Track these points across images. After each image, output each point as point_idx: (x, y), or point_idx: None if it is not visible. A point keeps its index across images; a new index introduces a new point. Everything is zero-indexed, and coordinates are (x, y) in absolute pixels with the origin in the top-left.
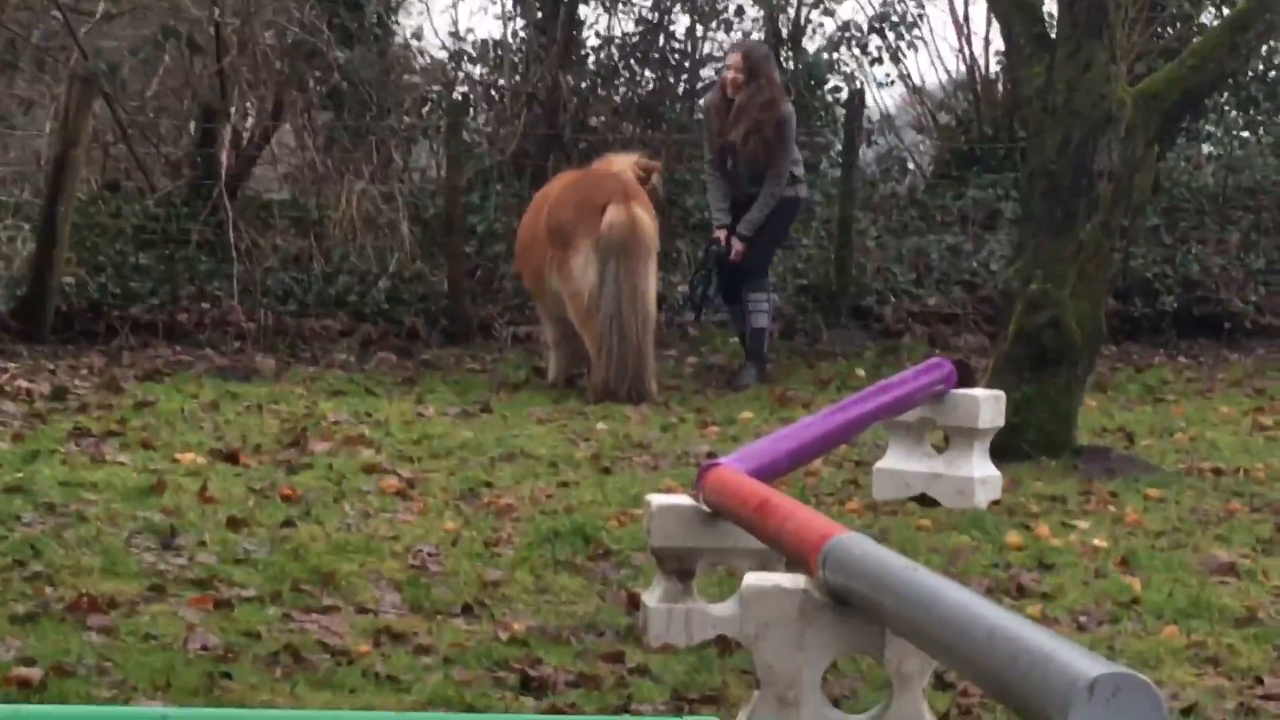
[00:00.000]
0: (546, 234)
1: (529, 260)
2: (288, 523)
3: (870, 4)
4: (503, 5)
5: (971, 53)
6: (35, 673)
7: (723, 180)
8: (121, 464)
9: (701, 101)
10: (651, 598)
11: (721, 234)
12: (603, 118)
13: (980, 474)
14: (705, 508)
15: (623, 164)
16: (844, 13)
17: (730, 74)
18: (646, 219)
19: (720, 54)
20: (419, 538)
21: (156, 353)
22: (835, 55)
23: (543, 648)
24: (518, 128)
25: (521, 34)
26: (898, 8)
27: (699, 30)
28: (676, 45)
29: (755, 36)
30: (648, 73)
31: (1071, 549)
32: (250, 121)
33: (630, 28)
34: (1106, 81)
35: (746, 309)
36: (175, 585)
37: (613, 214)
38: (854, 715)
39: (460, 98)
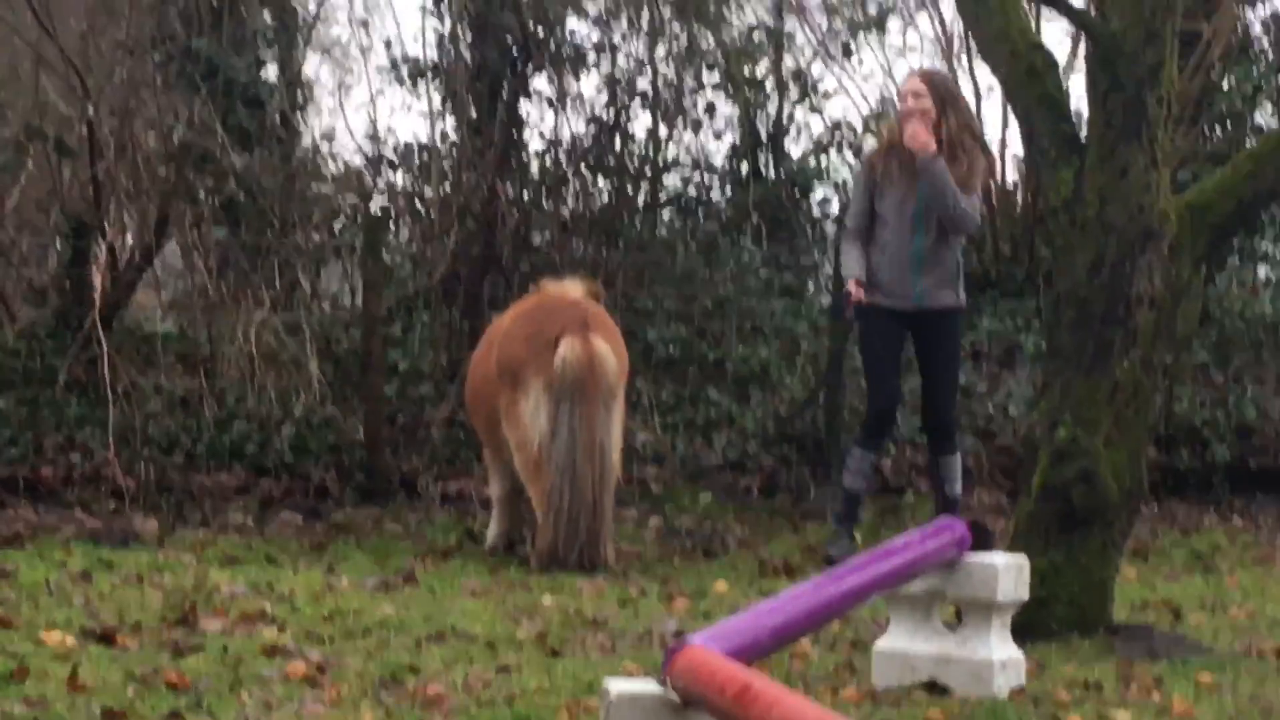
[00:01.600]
0: (497, 372)
1: (479, 404)
2: (174, 715)
3: (865, 101)
4: (430, 103)
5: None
6: None
7: (863, 249)
8: None
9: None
10: None
11: (857, 290)
12: (548, 234)
13: (1000, 656)
14: (674, 696)
15: (573, 292)
16: (834, 110)
17: (912, 103)
18: (608, 354)
19: (688, 159)
20: None
21: (16, 514)
22: (825, 160)
23: None
24: (448, 246)
25: (452, 136)
26: (898, 105)
27: (663, 131)
28: (635, 149)
29: (730, 139)
30: (601, 181)
31: None
32: (129, 239)
33: (581, 129)
34: (1146, 190)
35: (937, 472)
36: None
37: (566, 348)
38: None
39: (379, 211)
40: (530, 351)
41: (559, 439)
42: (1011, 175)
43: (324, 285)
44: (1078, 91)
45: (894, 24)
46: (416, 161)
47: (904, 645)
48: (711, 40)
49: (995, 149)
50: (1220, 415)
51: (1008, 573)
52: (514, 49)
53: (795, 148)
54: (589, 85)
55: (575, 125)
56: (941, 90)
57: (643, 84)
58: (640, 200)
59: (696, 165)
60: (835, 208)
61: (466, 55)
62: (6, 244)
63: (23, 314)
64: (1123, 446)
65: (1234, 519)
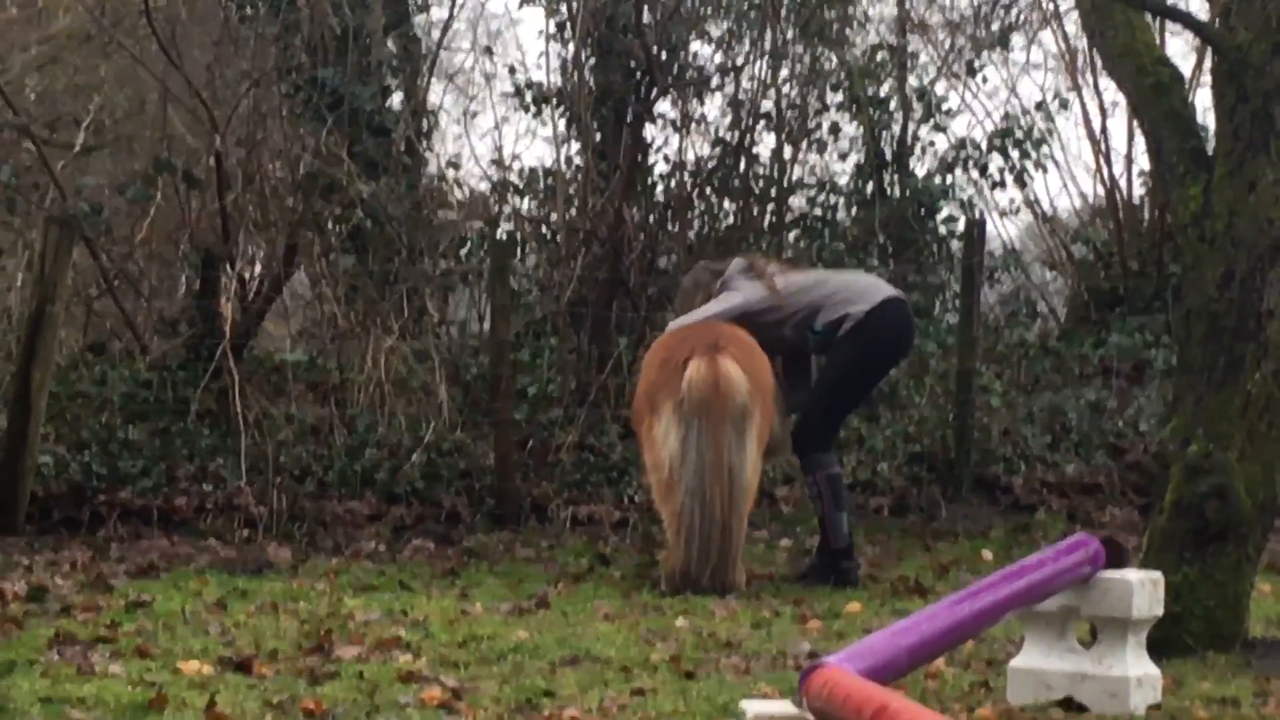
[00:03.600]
0: (643, 399)
1: (637, 431)
2: None
3: (990, 118)
4: (554, 128)
5: (1111, 174)
6: None
7: None
8: (114, 675)
9: None
10: None
11: None
12: (674, 257)
13: (1136, 673)
14: (810, 716)
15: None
16: (958, 129)
17: None
18: (736, 373)
19: (813, 180)
20: None
21: (150, 544)
22: (949, 179)
23: None
24: (574, 270)
25: (577, 160)
26: (1023, 122)
27: (787, 153)
28: (761, 171)
29: (854, 159)
30: (727, 203)
31: None
32: (258, 268)
33: (705, 151)
34: (1275, 204)
35: None
36: None
37: (693, 370)
38: None
39: (506, 236)
40: (663, 376)
41: (688, 461)
42: (1138, 191)
43: (452, 312)
44: (1204, 105)
45: (1017, 40)
46: (542, 186)
47: (1039, 663)
48: (835, 60)
49: (1120, 164)
50: None
51: (1142, 589)
52: (637, 72)
53: (920, 167)
54: (713, 108)
55: (699, 148)
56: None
57: (766, 105)
58: (766, 222)
59: (821, 186)
60: (961, 226)
61: (590, 80)
62: (136, 276)
63: (154, 345)
64: (1256, 460)
65: None
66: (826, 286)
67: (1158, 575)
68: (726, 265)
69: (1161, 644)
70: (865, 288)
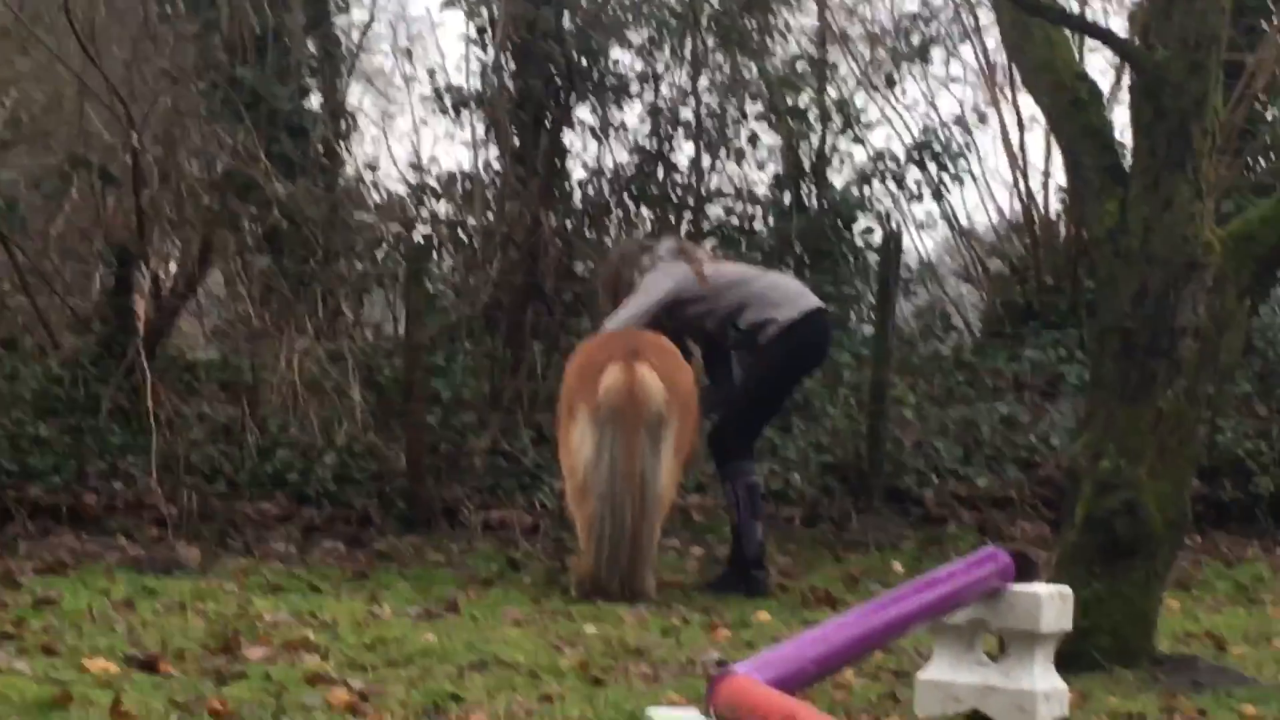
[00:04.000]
0: (562, 404)
1: (557, 432)
2: None
3: (908, 131)
4: (473, 132)
5: (1028, 188)
6: None
7: None
8: (18, 672)
9: None
10: None
11: None
12: (591, 264)
13: (1044, 686)
14: None
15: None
16: (877, 141)
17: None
18: (653, 381)
19: (731, 189)
20: None
21: (59, 541)
22: (867, 190)
23: None
24: (490, 275)
25: (495, 165)
26: (941, 135)
27: (705, 161)
28: (679, 179)
29: (773, 169)
30: (644, 211)
31: None
32: (173, 267)
33: (624, 158)
34: (1190, 221)
35: None
36: None
37: (609, 375)
38: None
39: (422, 240)
40: (579, 382)
41: (601, 467)
42: (1054, 206)
43: (367, 314)
44: (1122, 122)
45: (937, 54)
46: (460, 190)
47: (947, 675)
48: (755, 70)
49: (1038, 179)
50: (1263, 446)
51: (1051, 603)
52: (557, 79)
53: (838, 178)
54: (632, 115)
55: (618, 155)
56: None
57: (686, 114)
58: (683, 230)
59: (739, 195)
60: (878, 238)
61: (510, 85)
62: (50, 272)
63: (66, 342)
64: (1166, 477)
65: (1277, 551)
66: (754, 285)
67: (1067, 590)
68: (657, 243)
69: (1070, 658)
70: (792, 294)
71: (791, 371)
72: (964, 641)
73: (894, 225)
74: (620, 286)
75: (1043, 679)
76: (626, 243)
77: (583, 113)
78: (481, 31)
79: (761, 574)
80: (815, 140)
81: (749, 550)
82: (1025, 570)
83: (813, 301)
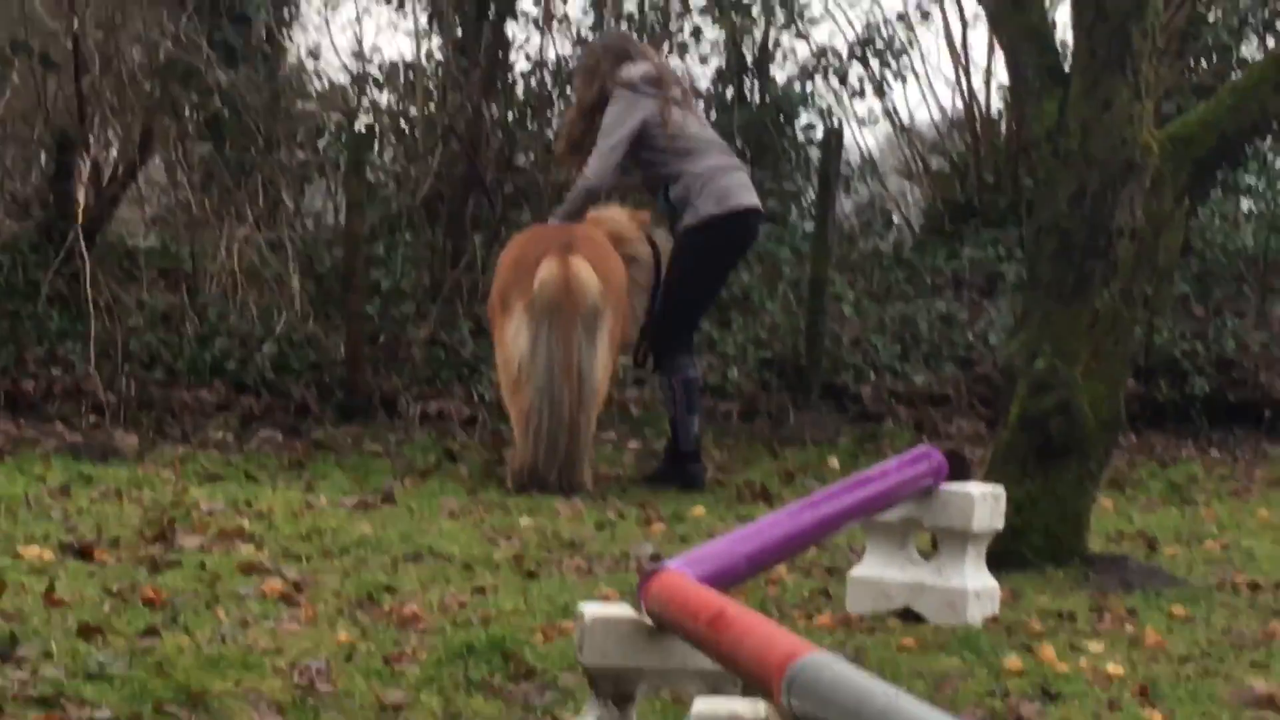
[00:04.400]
0: (495, 298)
1: (491, 326)
2: (150, 631)
3: (852, 27)
4: (415, 21)
5: (970, 87)
6: None
7: None
8: None
9: None
10: None
11: None
12: (533, 156)
13: (974, 585)
14: (648, 620)
15: (615, 217)
16: (820, 36)
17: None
18: (588, 275)
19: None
20: (306, 651)
21: None
22: (809, 86)
23: None
24: (431, 166)
25: (438, 55)
26: (884, 32)
27: None
28: None
29: (715, 63)
30: None
31: (1081, 675)
32: (113, 153)
33: (567, 50)
34: (1130, 123)
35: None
36: (15, 705)
37: (545, 269)
38: None
39: (364, 129)
40: (514, 276)
41: (537, 360)
42: (996, 105)
43: (307, 203)
44: (1064, 22)
45: None
46: (402, 80)
47: (879, 573)
48: None
49: (980, 78)
50: (1200, 348)
51: (984, 502)
52: None
53: (781, 73)
54: (575, 7)
55: (561, 46)
56: (578, 78)
57: (629, 6)
58: None
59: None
60: (819, 134)
61: None
62: None
63: (5, 227)
64: (1101, 378)
65: (1211, 451)
66: (698, 163)
67: (999, 489)
68: (636, 52)
69: (1002, 557)
70: (726, 188)
71: (706, 266)
72: (896, 539)
73: (836, 121)
74: (595, 78)
75: (974, 577)
76: (615, 35)
77: (525, 4)
78: None
79: (697, 467)
80: (758, 35)
81: (684, 444)
82: (958, 469)
83: (743, 201)
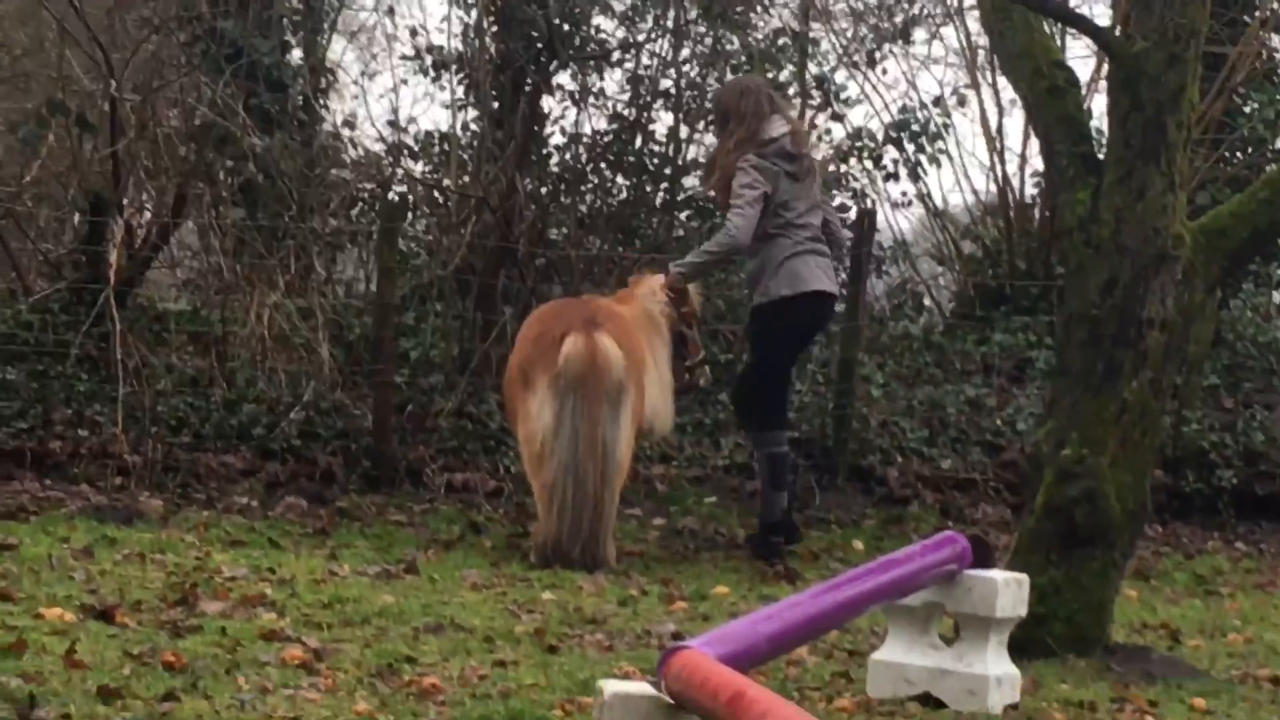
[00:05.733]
0: (513, 374)
1: (508, 403)
2: (170, 696)
3: (887, 110)
4: (452, 93)
5: (1004, 172)
6: None
7: None
8: None
9: None
10: None
11: None
12: (565, 229)
13: (996, 672)
14: (668, 698)
15: (652, 286)
16: (855, 118)
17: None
18: (612, 350)
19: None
20: None
21: (21, 487)
22: (844, 168)
23: None
24: (464, 237)
25: (473, 127)
26: (919, 115)
27: (683, 132)
28: (656, 148)
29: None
30: (620, 179)
31: None
32: (147, 216)
33: (602, 125)
34: (1162, 213)
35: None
36: None
37: (570, 345)
38: None
39: (397, 198)
40: (538, 350)
41: (562, 434)
42: (1030, 191)
43: (339, 271)
44: (1099, 111)
45: (919, 34)
46: (436, 151)
47: (900, 657)
48: (737, 43)
49: (1015, 164)
50: (1228, 439)
51: (1007, 589)
52: (539, 43)
53: (816, 154)
54: (612, 83)
55: (596, 122)
56: (718, 109)
57: (666, 84)
58: (658, 199)
59: None
60: (853, 215)
61: (491, 47)
62: (24, 217)
63: (37, 287)
64: (1128, 467)
65: (1237, 544)
66: (785, 245)
67: (1023, 576)
68: (778, 108)
69: (1024, 645)
70: (805, 272)
71: (779, 345)
72: (919, 624)
73: (869, 203)
74: (743, 121)
75: (996, 664)
76: (763, 84)
77: (563, 78)
78: None
79: (777, 541)
80: (794, 115)
81: (765, 516)
82: (982, 555)
83: (814, 285)
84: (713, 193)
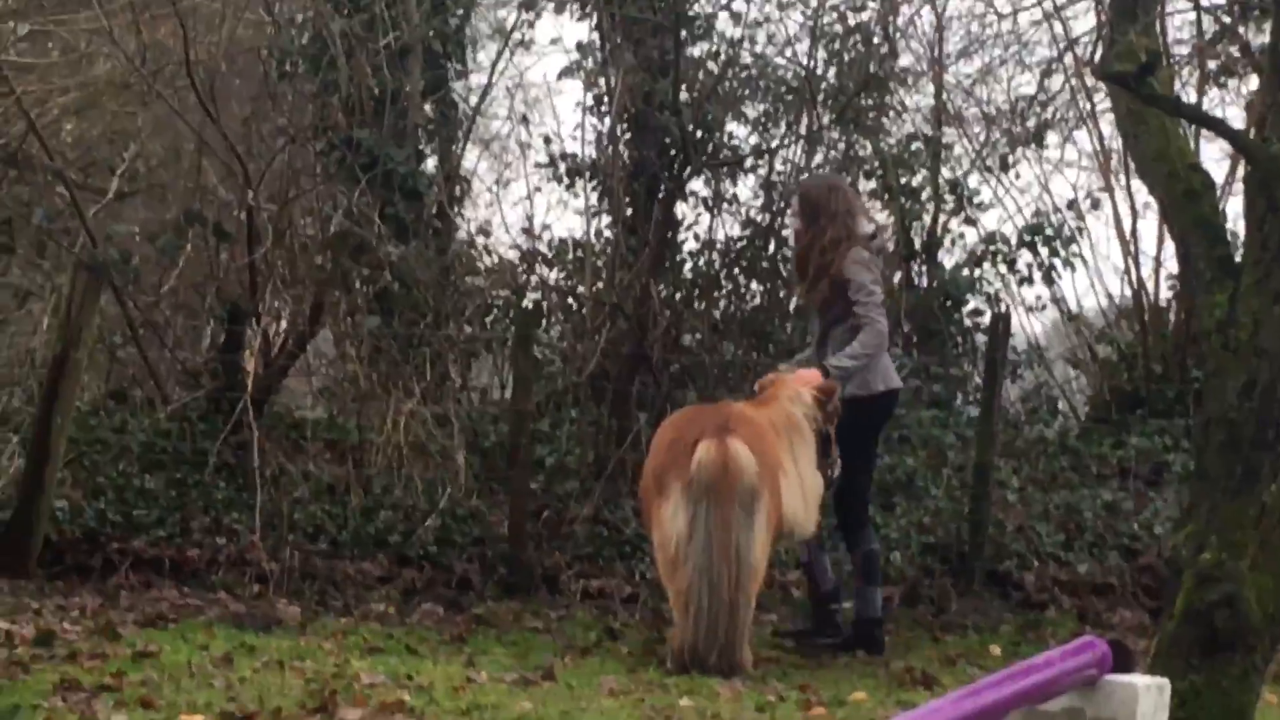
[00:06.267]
0: (650, 479)
1: (644, 509)
2: None
3: (1021, 214)
4: (586, 200)
5: (1139, 275)
6: None
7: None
8: None
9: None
10: None
11: None
12: (699, 335)
13: None
14: None
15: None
16: (988, 222)
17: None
18: (745, 456)
19: None
20: None
21: (161, 594)
22: (977, 272)
23: None
24: (598, 343)
25: (607, 234)
26: (1053, 219)
27: None
28: (789, 253)
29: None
30: (754, 285)
31: None
32: (283, 325)
33: (735, 231)
34: None
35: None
36: None
37: (703, 451)
38: None
39: (532, 306)
40: (670, 457)
41: (696, 540)
42: (1165, 294)
43: (474, 378)
44: (1235, 212)
45: (1052, 138)
46: (570, 258)
47: None
48: (869, 148)
49: (1149, 266)
50: None
51: (1148, 694)
52: (672, 150)
53: (949, 258)
54: (745, 188)
55: (730, 227)
56: (806, 204)
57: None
58: (791, 304)
59: None
60: (986, 319)
61: (625, 154)
62: (162, 326)
63: (175, 396)
64: (1268, 571)
65: None
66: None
67: (1164, 681)
68: (862, 206)
69: None
70: (890, 366)
71: (870, 439)
72: None
73: (1003, 307)
74: (835, 221)
75: None
76: (841, 180)
77: (696, 185)
78: (598, 100)
79: (880, 633)
80: (927, 220)
81: (863, 611)
82: (1123, 660)
83: (896, 381)
84: (802, 292)
